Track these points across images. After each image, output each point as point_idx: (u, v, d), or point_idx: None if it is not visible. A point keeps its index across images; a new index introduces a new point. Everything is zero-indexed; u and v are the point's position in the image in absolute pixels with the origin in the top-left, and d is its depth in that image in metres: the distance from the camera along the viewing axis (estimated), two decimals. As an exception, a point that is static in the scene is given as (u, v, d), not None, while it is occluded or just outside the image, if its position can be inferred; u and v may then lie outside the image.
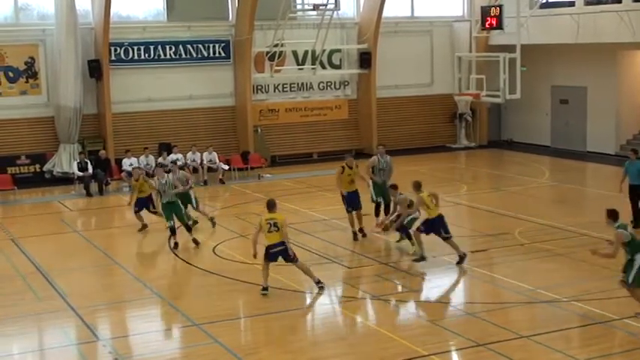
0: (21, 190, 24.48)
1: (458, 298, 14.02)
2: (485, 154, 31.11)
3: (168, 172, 18.35)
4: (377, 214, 18.50)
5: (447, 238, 15.56)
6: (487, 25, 28.96)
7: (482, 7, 29.36)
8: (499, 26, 28.51)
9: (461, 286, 14.94)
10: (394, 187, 16.93)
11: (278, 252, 13.82)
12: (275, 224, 13.66)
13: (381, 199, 18.35)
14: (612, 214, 12.42)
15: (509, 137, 33.32)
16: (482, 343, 11.36)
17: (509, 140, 33.16)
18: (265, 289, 13.92)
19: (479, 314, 12.65)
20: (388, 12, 30.73)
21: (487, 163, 29.66)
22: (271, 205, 13.93)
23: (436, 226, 15.50)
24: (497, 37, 30.77)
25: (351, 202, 17.77)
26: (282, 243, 13.76)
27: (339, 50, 30.70)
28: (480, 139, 32.68)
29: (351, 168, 17.86)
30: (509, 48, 28.22)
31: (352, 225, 17.82)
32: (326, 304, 13.91)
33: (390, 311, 13.37)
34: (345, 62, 30.98)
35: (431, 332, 11.99)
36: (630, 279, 11.96)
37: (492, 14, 28.45)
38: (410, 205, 16.20)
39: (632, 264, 11.94)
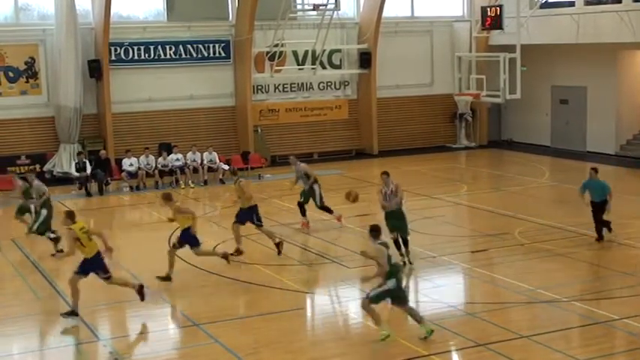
0: (21, 190, 24.45)
1: (458, 298, 14.01)
2: (485, 154, 31.11)
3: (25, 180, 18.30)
4: (302, 214, 18.89)
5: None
6: (487, 25, 29.00)
7: (482, 7, 29.39)
8: (499, 26, 28.55)
9: (461, 286, 14.93)
10: (387, 173, 15.96)
11: (97, 265, 12.80)
12: (88, 232, 12.88)
13: (302, 200, 18.94)
14: (374, 231, 11.61)
15: (509, 137, 33.32)
16: (483, 343, 11.36)
17: (509, 140, 33.16)
18: (74, 313, 12.65)
19: (479, 314, 12.65)
20: (388, 12, 30.73)
21: (487, 163, 29.66)
22: (74, 215, 13.00)
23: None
24: (497, 37, 30.78)
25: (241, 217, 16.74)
26: (100, 253, 12.93)
27: (339, 50, 30.70)
28: (480, 139, 32.68)
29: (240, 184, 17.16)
30: (510, 48, 28.25)
31: (237, 240, 16.55)
32: (326, 304, 13.91)
33: (389, 311, 13.35)
34: (345, 62, 30.98)
35: (431, 332, 11.98)
36: (372, 294, 11.45)
37: (492, 14, 28.50)
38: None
39: (382, 287, 11.44)
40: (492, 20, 28.52)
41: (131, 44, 27.79)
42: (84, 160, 24.94)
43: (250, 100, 28.85)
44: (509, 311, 12.97)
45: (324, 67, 30.38)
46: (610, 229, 16.92)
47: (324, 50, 29.46)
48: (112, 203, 23.53)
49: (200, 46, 28.76)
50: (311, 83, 30.62)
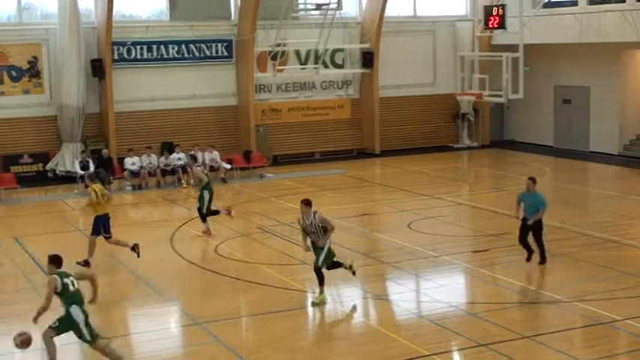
0: (24, 188, 24.52)
1: (459, 297, 13.99)
2: (487, 154, 31.08)
3: None
4: (202, 220, 18.45)
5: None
6: (490, 25, 28.98)
7: (485, 7, 29.38)
8: (502, 26, 28.53)
9: (462, 286, 14.93)
10: (307, 202, 13.36)
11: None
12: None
13: (198, 205, 18.41)
14: (54, 260, 10.60)
15: (511, 137, 33.28)
16: (484, 343, 11.34)
17: (512, 140, 33.12)
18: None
19: (480, 314, 12.63)
20: (390, 11, 30.71)
21: (489, 163, 29.63)
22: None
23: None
24: (500, 37, 30.73)
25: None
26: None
27: (341, 50, 30.67)
28: (482, 139, 32.63)
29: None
30: (512, 47, 28.22)
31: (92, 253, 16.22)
32: (327, 304, 13.89)
33: (391, 311, 13.36)
34: (347, 62, 30.95)
35: (432, 332, 11.97)
36: (60, 327, 10.48)
37: (495, 13, 28.48)
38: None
39: (69, 317, 10.40)
40: (495, 20, 28.52)
41: (134, 43, 27.80)
42: (87, 158, 24.97)
43: (253, 100, 28.84)
44: (511, 311, 12.96)
45: (326, 67, 30.35)
46: (543, 260, 15.00)
47: (326, 50, 29.43)
48: (114, 202, 23.39)
49: (202, 45, 28.76)
50: (313, 83, 30.60)
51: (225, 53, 29.07)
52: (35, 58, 26.77)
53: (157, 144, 27.27)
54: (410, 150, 31.18)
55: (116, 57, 27.35)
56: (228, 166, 26.42)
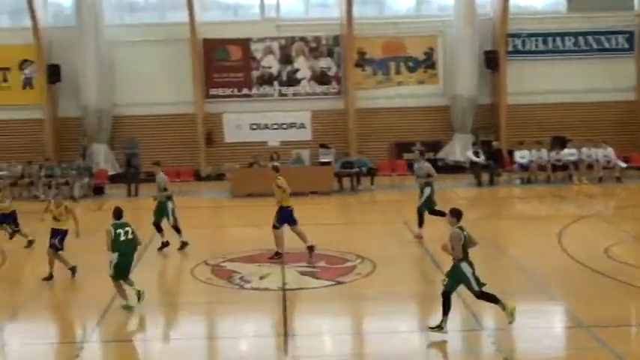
0: (412, 175, 25.42)
1: None
2: None
3: None
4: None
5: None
6: None
7: None
8: None
9: None
10: (453, 213, 11.63)
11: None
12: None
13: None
14: (116, 213, 12.73)
15: None
16: None
17: None
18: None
19: None
20: None
21: None
22: None
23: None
24: None
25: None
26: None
27: None
28: None
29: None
30: None
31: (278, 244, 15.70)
32: None
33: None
34: None
35: None
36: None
37: None
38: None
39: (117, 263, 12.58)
40: None
41: (529, 35, 27.45)
42: (478, 150, 25.27)
43: (656, 95, 26.88)
44: None
45: None
46: None
47: None
48: (501, 194, 23.47)
49: (600, 37, 27.55)
50: None
51: (625, 45, 27.55)
52: (431, 49, 27.71)
53: (547, 138, 26.62)
54: None
55: (510, 48, 27.26)
56: (624, 165, 24.91)
